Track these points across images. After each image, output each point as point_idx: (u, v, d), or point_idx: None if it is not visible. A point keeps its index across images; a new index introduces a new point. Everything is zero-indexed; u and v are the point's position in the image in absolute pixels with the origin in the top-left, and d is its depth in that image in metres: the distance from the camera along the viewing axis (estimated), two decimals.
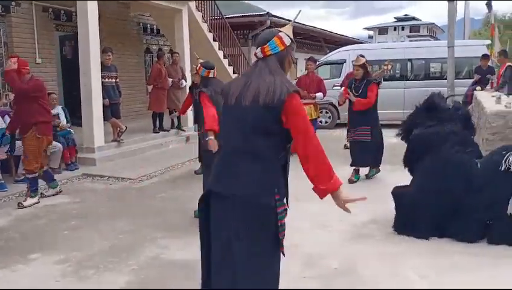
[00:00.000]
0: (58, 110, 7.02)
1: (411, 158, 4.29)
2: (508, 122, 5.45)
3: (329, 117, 11.64)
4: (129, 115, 10.42)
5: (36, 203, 5.25)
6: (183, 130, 9.54)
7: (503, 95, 7.22)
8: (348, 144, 6.65)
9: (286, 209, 2.14)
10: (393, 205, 4.25)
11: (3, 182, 5.74)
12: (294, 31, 2.37)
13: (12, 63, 5.09)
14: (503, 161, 3.78)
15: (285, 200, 2.15)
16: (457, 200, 3.87)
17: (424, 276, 3.27)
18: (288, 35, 2.19)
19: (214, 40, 11.90)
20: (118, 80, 8.14)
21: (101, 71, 7.55)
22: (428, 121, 4.25)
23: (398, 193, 4.24)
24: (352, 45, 15.21)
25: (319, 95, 7.63)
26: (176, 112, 8.70)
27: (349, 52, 11.49)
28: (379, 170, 6.26)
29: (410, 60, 11.46)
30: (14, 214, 4.96)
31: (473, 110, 8.39)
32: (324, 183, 2.06)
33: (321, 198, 2.12)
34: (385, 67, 7.11)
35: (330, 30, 20.66)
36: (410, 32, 65.02)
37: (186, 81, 9.26)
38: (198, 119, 5.04)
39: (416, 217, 3.98)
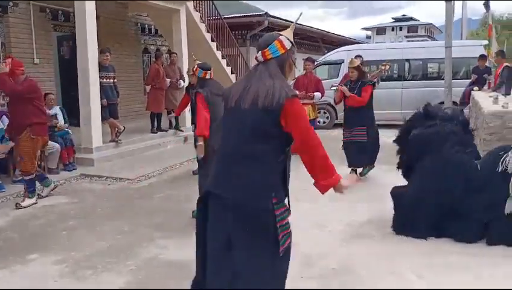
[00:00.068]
0: (56, 110, 7.01)
1: (409, 159, 4.28)
2: (505, 123, 5.46)
3: (327, 117, 11.64)
4: (127, 115, 10.41)
5: (34, 203, 5.25)
6: (181, 131, 9.53)
7: (500, 95, 7.22)
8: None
9: (287, 209, 2.16)
10: (391, 204, 4.26)
11: (1, 182, 5.74)
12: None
13: (4, 67, 5.07)
14: (500, 163, 3.79)
15: (286, 201, 2.17)
16: (457, 200, 3.87)
17: (422, 276, 3.28)
18: (288, 39, 2.21)
19: (212, 40, 11.89)
20: (115, 80, 8.13)
21: (99, 71, 7.54)
22: (427, 122, 4.25)
23: (397, 193, 4.24)
24: (350, 45, 15.25)
25: (317, 95, 7.62)
26: (173, 112, 8.69)
27: (347, 53, 11.48)
28: (373, 166, 6.27)
29: (408, 60, 11.48)
30: (12, 215, 4.95)
31: (470, 110, 8.42)
32: (326, 179, 2.15)
33: (323, 193, 2.22)
34: (383, 67, 7.14)
35: (328, 30, 20.70)
36: (408, 32, 65.13)
37: (184, 82, 9.24)
38: (195, 119, 5.04)
39: (415, 217, 3.98)
